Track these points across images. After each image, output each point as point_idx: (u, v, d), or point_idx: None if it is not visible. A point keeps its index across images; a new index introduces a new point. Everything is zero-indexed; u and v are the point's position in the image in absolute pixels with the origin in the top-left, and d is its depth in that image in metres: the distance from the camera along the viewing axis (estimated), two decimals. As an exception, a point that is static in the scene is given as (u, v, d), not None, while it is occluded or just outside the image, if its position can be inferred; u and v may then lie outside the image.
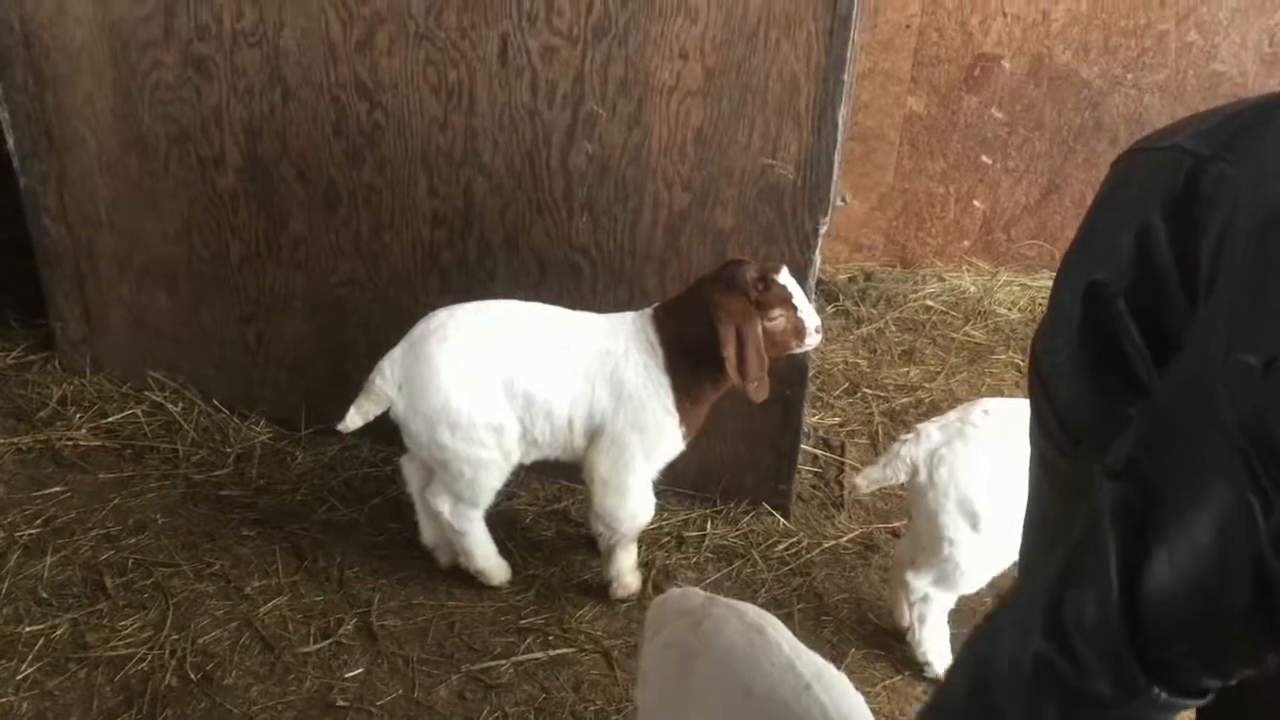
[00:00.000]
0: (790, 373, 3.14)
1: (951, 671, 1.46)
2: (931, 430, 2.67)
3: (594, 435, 2.87)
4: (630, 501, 2.91)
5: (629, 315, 2.91)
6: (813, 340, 2.84)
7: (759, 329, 2.73)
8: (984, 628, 1.43)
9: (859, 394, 4.06)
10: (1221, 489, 1.07)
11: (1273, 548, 1.04)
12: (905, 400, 4.04)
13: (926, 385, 4.13)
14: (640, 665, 2.12)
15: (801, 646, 1.93)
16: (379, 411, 2.89)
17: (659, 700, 2.03)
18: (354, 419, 2.88)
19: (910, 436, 2.69)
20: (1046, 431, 1.62)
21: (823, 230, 3.00)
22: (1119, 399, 1.44)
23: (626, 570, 3.02)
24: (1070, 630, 1.21)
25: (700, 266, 3.08)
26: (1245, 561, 1.06)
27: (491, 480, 2.92)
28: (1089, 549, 1.21)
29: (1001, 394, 3.89)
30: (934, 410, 3.87)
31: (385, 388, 2.85)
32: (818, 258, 3.02)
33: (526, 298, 3.16)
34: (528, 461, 2.98)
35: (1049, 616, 1.23)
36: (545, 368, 2.82)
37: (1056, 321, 1.58)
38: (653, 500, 2.97)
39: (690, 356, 2.80)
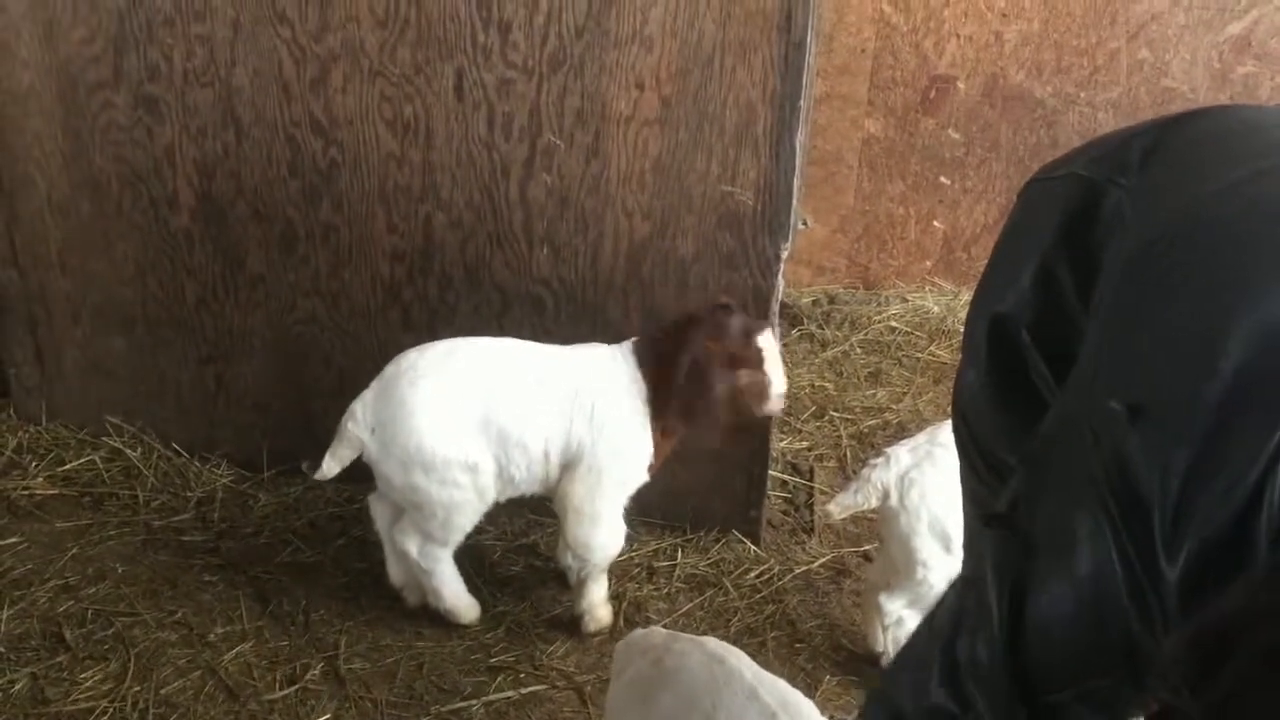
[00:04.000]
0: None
1: (864, 710, 1.47)
2: (901, 453, 2.66)
3: (570, 465, 2.85)
4: (602, 530, 2.88)
5: (603, 348, 2.90)
6: (773, 406, 2.86)
7: (716, 380, 2.75)
8: (888, 675, 1.43)
9: (826, 417, 4.05)
10: (1091, 537, 1.06)
11: (1132, 602, 1.03)
12: (873, 422, 4.03)
13: (893, 407, 4.12)
14: (606, 707, 2.09)
15: (766, 675, 1.91)
16: (354, 456, 2.85)
17: (624, 740, 2.00)
18: (331, 466, 2.85)
19: (879, 461, 2.68)
20: (971, 466, 1.61)
21: (784, 255, 3.00)
22: (1033, 430, 1.44)
23: (598, 603, 2.99)
24: (964, 678, 1.21)
25: (663, 296, 3.07)
26: (1111, 607, 1.06)
27: (465, 520, 2.88)
28: (975, 596, 1.21)
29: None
30: (901, 431, 3.87)
31: (357, 431, 2.82)
32: (780, 283, 3.02)
33: (489, 332, 3.15)
34: (503, 499, 2.95)
35: (944, 664, 1.24)
36: (519, 404, 2.79)
37: (969, 356, 1.58)
38: (624, 530, 2.95)
39: (669, 391, 2.81)
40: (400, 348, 3.26)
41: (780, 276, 3.01)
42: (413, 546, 2.90)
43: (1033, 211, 1.50)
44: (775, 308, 3.02)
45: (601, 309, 3.12)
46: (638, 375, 2.84)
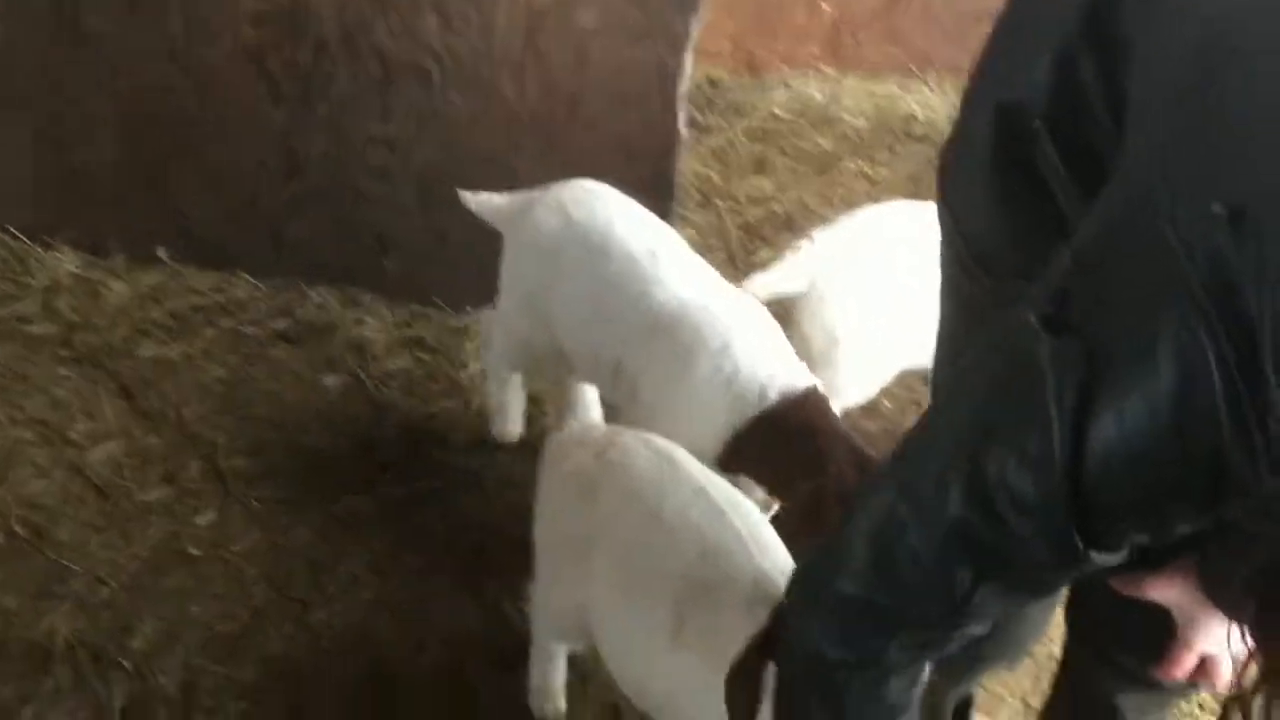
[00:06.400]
0: (656, 183, 2.99)
1: (850, 526, 1.32)
2: (828, 238, 2.61)
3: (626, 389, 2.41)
4: None
5: (770, 330, 2.36)
6: None
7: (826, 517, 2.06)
8: (884, 480, 1.33)
9: (712, 207, 3.94)
10: (1179, 350, 0.97)
11: (1229, 414, 0.96)
12: (759, 212, 3.94)
13: (779, 197, 4.03)
14: (538, 500, 2.02)
15: (714, 475, 1.87)
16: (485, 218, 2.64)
17: (560, 532, 1.95)
18: (469, 198, 2.65)
19: (805, 244, 2.61)
20: (956, 258, 1.54)
21: (693, 32, 2.81)
22: (1035, 227, 1.36)
23: None
24: (996, 499, 1.11)
25: (562, 70, 2.86)
26: (1202, 427, 0.98)
27: (505, 347, 2.65)
28: (1019, 407, 1.10)
29: (853, 205, 3.84)
30: (789, 222, 3.82)
31: (497, 214, 2.60)
32: (689, 61, 2.84)
33: (370, 105, 2.91)
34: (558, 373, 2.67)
35: (971, 480, 1.13)
36: (599, 297, 2.39)
37: (965, 146, 1.49)
38: None
39: (769, 443, 2.22)
40: (268, 122, 3.00)
41: (688, 55, 2.83)
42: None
43: None
44: (683, 89, 2.86)
45: (494, 84, 2.89)
46: (747, 408, 2.22)
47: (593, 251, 2.39)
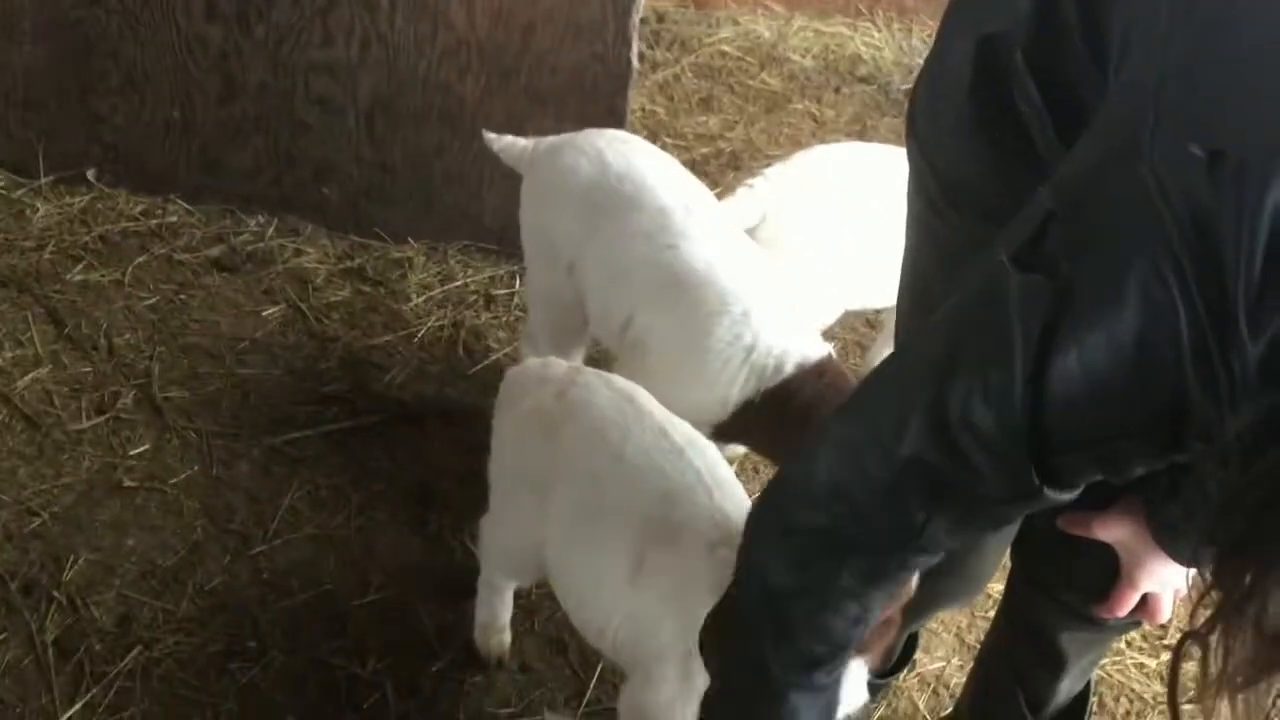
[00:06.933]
0: (609, 118, 2.94)
1: (812, 457, 1.32)
2: (779, 175, 2.60)
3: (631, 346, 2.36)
4: None
5: (778, 307, 2.27)
6: None
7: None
8: (848, 413, 1.33)
9: (659, 143, 3.87)
10: (1145, 288, 0.98)
11: (1193, 357, 0.97)
12: (705, 150, 3.91)
13: (726, 135, 4.01)
14: (495, 436, 2.00)
15: (672, 414, 1.86)
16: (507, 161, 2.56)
17: (519, 470, 1.93)
18: (493, 139, 2.57)
19: (758, 180, 2.60)
20: (925, 194, 1.52)
21: (648, -39, 2.76)
22: (1011, 165, 1.35)
23: None
24: (956, 433, 1.12)
25: (513, -3, 2.79)
26: (1164, 368, 0.99)
27: (543, 299, 2.54)
28: (984, 342, 1.11)
29: (800, 145, 3.83)
30: (735, 161, 3.80)
31: (520, 158, 2.52)
32: (643, -11, 2.79)
33: (310, 25, 2.81)
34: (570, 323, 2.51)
35: (933, 414, 1.14)
36: (623, 246, 2.31)
37: (940, 79, 1.46)
38: None
39: (781, 415, 2.20)
40: (204, 41, 2.90)
41: (643, -17, 2.78)
42: None
43: None
44: (636, 18, 2.80)
45: (442, 10, 2.81)
46: (763, 380, 2.20)
47: (624, 200, 2.31)
